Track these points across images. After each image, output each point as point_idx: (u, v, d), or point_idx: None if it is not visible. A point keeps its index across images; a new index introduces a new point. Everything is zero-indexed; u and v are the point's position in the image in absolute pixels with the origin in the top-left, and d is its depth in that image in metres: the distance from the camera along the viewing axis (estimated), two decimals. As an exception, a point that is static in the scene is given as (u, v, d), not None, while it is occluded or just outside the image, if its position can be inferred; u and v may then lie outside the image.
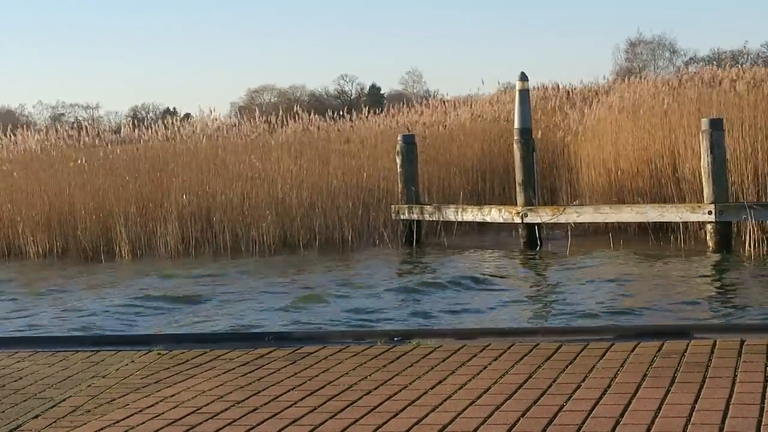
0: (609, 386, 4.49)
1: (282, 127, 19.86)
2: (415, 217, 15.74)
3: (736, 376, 4.51)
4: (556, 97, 21.47)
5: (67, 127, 21.54)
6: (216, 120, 20.67)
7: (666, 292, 10.12)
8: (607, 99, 18.56)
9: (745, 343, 5.12)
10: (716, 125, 12.79)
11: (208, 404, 4.67)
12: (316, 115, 20.98)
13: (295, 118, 20.39)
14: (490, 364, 5.08)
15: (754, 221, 12.48)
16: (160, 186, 16.84)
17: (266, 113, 20.54)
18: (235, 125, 20.76)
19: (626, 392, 4.36)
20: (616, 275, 11.56)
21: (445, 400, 4.46)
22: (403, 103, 23.51)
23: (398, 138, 16.37)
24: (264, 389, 4.88)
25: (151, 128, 20.57)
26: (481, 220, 15.13)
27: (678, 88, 17.12)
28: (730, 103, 14.87)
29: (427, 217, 15.70)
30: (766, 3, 75.95)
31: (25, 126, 22.72)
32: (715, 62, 24.85)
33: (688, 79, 18.36)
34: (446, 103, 23.76)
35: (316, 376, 5.08)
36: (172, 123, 20.27)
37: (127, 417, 4.54)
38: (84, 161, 17.69)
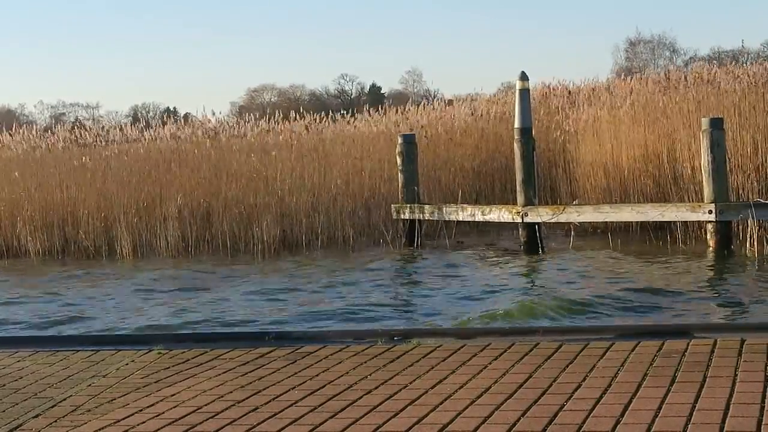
0: (609, 386, 4.49)
1: (282, 126, 19.86)
2: (415, 216, 15.74)
3: (737, 375, 4.51)
4: (557, 97, 21.43)
5: (66, 128, 21.51)
6: (218, 122, 20.66)
7: (666, 292, 10.12)
8: (607, 98, 18.53)
9: (746, 342, 5.12)
10: (716, 124, 12.79)
11: (208, 404, 4.67)
12: (318, 115, 20.97)
13: (296, 117, 20.39)
14: (490, 363, 5.08)
15: (754, 221, 12.47)
16: (161, 185, 16.84)
17: (267, 113, 20.51)
18: (234, 125, 20.72)
19: (627, 392, 4.37)
20: (616, 275, 11.56)
21: (445, 400, 4.46)
22: (407, 102, 23.47)
23: (398, 138, 16.37)
24: (264, 389, 4.88)
25: (152, 128, 20.54)
26: (482, 220, 15.12)
27: (677, 88, 17.09)
28: (730, 102, 14.87)
29: (427, 216, 15.70)
30: (766, 2, 75.94)
31: (24, 126, 22.69)
32: (715, 61, 24.83)
33: (683, 77, 18.32)
34: (447, 102, 23.73)
35: (316, 375, 5.08)
36: (172, 122, 20.26)
37: (128, 416, 4.54)
38: (84, 160, 17.69)
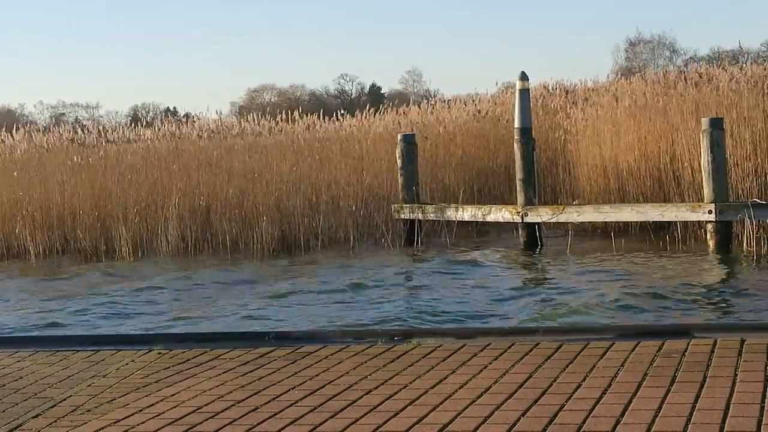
0: (609, 386, 4.49)
1: (282, 126, 19.87)
2: (415, 216, 15.73)
3: (737, 375, 4.51)
4: (557, 96, 21.42)
5: (68, 127, 21.49)
6: (219, 121, 20.64)
7: (666, 292, 10.11)
8: (607, 98, 18.53)
9: (746, 342, 5.12)
10: (716, 124, 12.78)
11: (208, 404, 4.67)
12: (317, 115, 20.96)
13: (295, 118, 20.39)
14: (490, 363, 5.08)
15: (754, 220, 12.47)
16: (161, 185, 16.84)
17: (268, 113, 20.50)
18: (234, 125, 20.71)
19: (626, 392, 4.37)
20: (615, 275, 11.55)
21: (445, 400, 4.46)
22: (407, 102, 23.47)
23: (398, 137, 16.36)
24: (264, 389, 4.88)
25: (153, 128, 20.53)
26: (482, 220, 15.13)
27: (675, 88, 17.08)
28: (730, 102, 14.86)
29: (427, 216, 15.69)
30: (766, 3, 75.94)
31: (25, 126, 22.68)
32: (715, 61, 24.83)
33: (684, 77, 18.30)
34: (447, 102, 23.72)
35: (317, 375, 5.08)
36: (174, 123, 20.26)
37: (128, 416, 4.54)
38: (82, 160, 17.69)
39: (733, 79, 16.72)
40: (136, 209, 16.48)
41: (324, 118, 21.09)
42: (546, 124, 18.59)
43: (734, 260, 12.21)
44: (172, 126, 20.20)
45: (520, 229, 14.54)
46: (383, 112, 21.75)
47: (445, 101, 24.17)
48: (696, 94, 15.99)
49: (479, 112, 20.55)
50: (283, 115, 20.22)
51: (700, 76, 17.82)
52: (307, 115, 20.82)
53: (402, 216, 15.90)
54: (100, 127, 22.05)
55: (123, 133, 20.90)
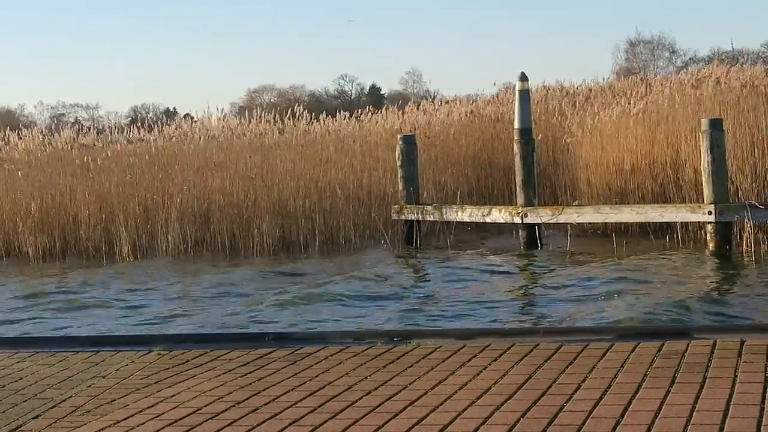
0: (609, 386, 4.50)
1: (283, 126, 19.85)
2: (415, 217, 15.72)
3: (737, 376, 4.51)
4: (557, 98, 21.41)
5: (67, 128, 21.44)
6: (222, 120, 20.58)
7: (666, 292, 10.11)
8: (609, 100, 18.52)
9: (746, 343, 5.12)
10: (716, 125, 12.78)
11: (208, 404, 4.67)
12: (320, 115, 20.93)
13: (295, 118, 20.36)
14: (490, 364, 5.09)
15: (754, 221, 12.48)
16: (161, 186, 16.84)
17: (268, 113, 20.46)
18: (236, 126, 20.67)
19: (626, 392, 4.37)
20: (615, 275, 11.54)
21: (445, 401, 4.46)
22: (408, 103, 23.45)
23: (398, 138, 16.36)
24: (264, 389, 4.88)
25: (153, 128, 20.49)
26: (482, 220, 15.13)
27: (685, 90, 17.07)
28: (731, 103, 14.85)
29: (427, 217, 15.69)
30: (766, 4, 75.96)
31: (27, 126, 22.62)
32: (715, 62, 24.84)
33: (693, 80, 18.29)
34: (447, 103, 23.70)
35: (316, 376, 5.08)
36: (176, 126, 20.23)
37: (128, 417, 4.54)
38: (85, 161, 17.68)
39: (732, 79, 16.71)
40: (137, 210, 16.46)
41: (326, 118, 21.04)
42: (546, 125, 18.57)
43: (734, 261, 12.22)
44: (173, 127, 20.14)
45: (520, 230, 14.54)
46: (383, 113, 21.72)
47: (444, 102, 24.16)
48: (699, 93, 15.98)
49: (473, 111, 20.54)
50: (290, 114, 20.18)
51: (705, 79, 17.74)
52: (320, 115, 20.69)
53: (402, 217, 15.89)
54: (100, 128, 22.01)
55: (125, 133, 20.83)
